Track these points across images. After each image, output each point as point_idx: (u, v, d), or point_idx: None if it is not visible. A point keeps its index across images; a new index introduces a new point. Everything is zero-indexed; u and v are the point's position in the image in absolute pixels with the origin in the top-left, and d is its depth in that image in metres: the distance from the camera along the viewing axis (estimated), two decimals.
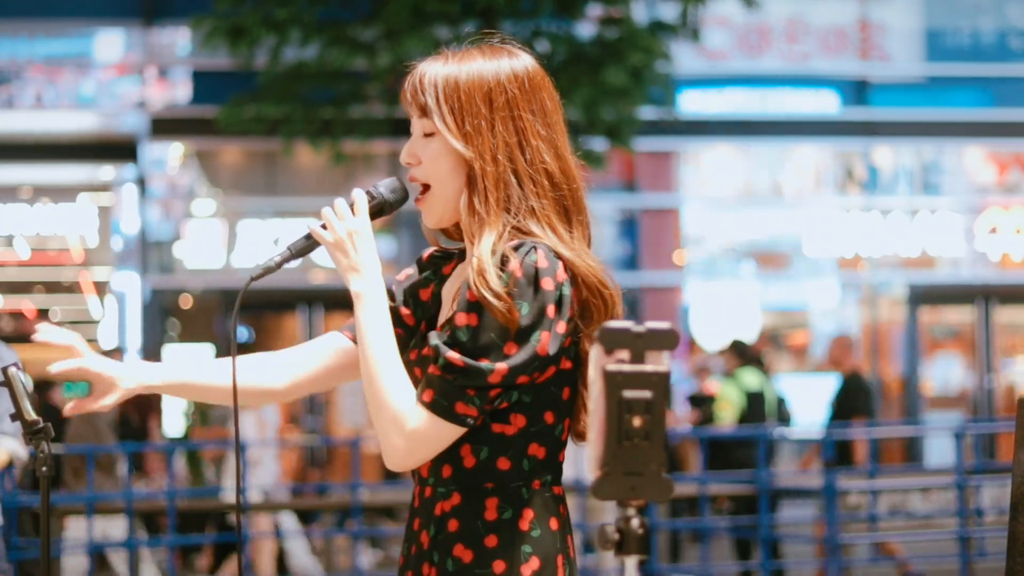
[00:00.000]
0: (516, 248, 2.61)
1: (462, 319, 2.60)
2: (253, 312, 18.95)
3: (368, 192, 2.75)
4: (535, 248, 2.61)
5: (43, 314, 19.86)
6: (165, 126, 18.27)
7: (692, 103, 18.73)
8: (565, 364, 2.65)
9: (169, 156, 18.76)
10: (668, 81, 15.61)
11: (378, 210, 2.75)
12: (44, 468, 3.24)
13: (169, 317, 18.96)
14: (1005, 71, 19.70)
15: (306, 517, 14.27)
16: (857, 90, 19.52)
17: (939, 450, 18.45)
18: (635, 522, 2.25)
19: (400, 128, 16.78)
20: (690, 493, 11.51)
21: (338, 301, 18.91)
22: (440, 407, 2.59)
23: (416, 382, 2.67)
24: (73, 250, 19.20)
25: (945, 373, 19.89)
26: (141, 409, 15.20)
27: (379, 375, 2.63)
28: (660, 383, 2.22)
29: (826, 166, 19.65)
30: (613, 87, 14.40)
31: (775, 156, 19.44)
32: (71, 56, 18.23)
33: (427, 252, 2.91)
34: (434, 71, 2.72)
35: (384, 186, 2.77)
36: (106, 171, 19.05)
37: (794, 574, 12.35)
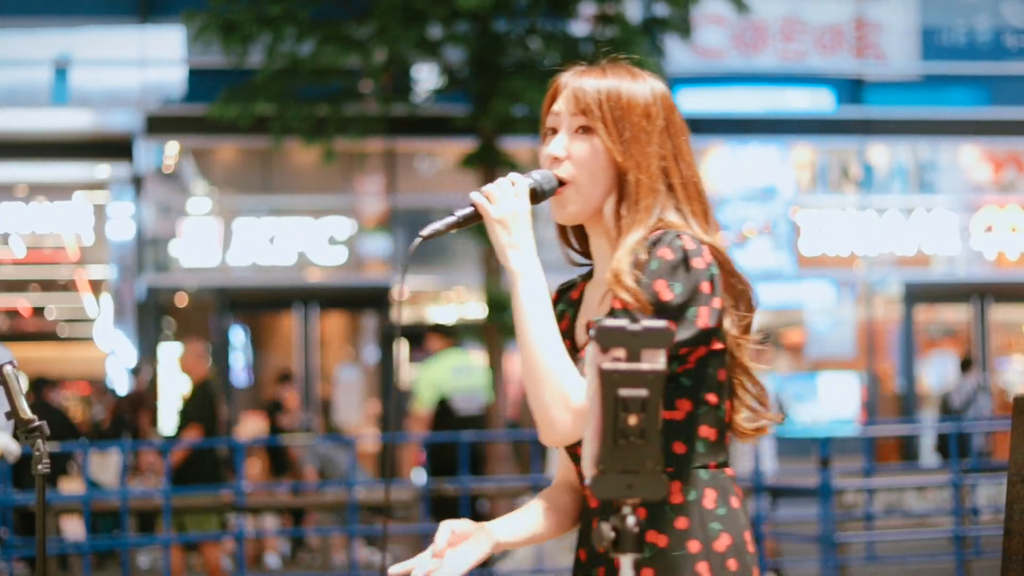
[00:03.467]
0: (660, 238, 2.70)
1: (618, 306, 2.67)
2: (248, 311, 18.94)
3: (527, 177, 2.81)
4: (679, 235, 2.70)
5: (38, 312, 19.87)
6: (160, 124, 18.26)
7: (688, 101, 18.73)
8: (716, 344, 2.73)
9: (164, 154, 18.75)
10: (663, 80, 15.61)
11: (532, 196, 2.80)
12: (40, 466, 3.23)
13: (164, 315, 18.95)
14: (1001, 69, 19.71)
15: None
16: (853, 88, 19.53)
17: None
18: (631, 520, 2.25)
19: (395, 126, 16.78)
20: None
21: (334, 300, 18.90)
22: None
23: None
24: (69, 248, 19.20)
25: (941, 371, 19.89)
26: (134, 407, 15.22)
27: (541, 351, 2.68)
28: (656, 381, 2.22)
29: (822, 164, 19.66)
30: None
31: (771, 154, 19.44)
32: (66, 54, 18.22)
33: (554, 292, 2.96)
34: (595, 81, 2.82)
35: (540, 175, 2.82)
36: (101, 169, 19.05)
37: (791, 572, 12.35)
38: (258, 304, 18.92)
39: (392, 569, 2.73)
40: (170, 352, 18.51)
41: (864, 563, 11.40)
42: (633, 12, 15.74)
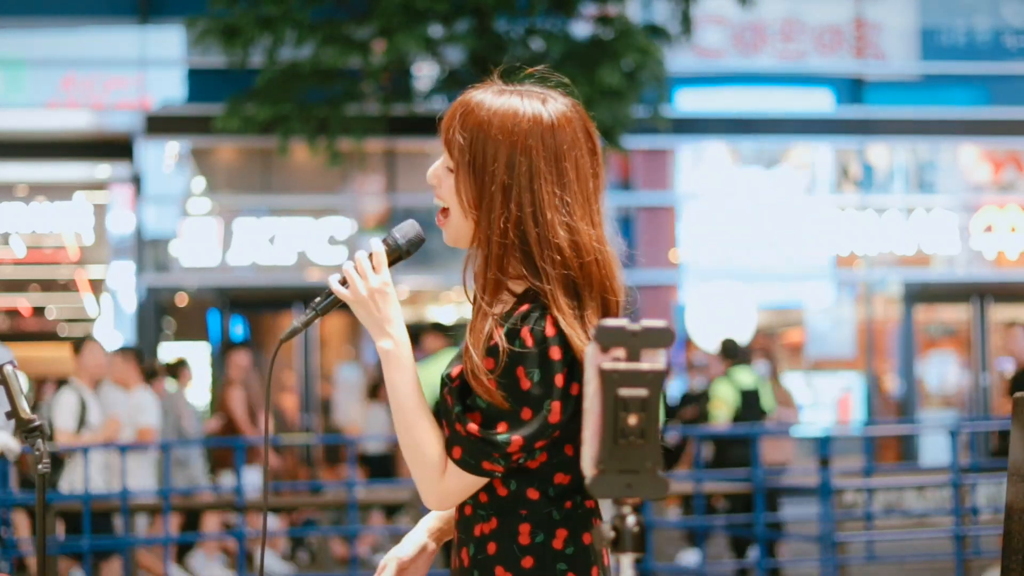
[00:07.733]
0: (527, 315, 2.70)
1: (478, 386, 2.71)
2: (248, 311, 18.94)
3: (386, 242, 2.85)
4: (546, 315, 2.70)
5: (38, 312, 19.87)
6: (160, 124, 18.25)
7: (688, 101, 18.73)
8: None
9: (165, 154, 18.75)
10: (662, 82, 15.62)
11: (395, 259, 2.85)
12: (40, 466, 3.23)
13: (164, 315, 18.95)
14: (1000, 69, 19.71)
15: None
16: (852, 88, 19.53)
17: (934, 448, 18.48)
18: (631, 520, 2.25)
19: (395, 126, 16.78)
20: (686, 491, 11.52)
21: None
22: (468, 465, 2.73)
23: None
24: (69, 248, 19.19)
25: (941, 371, 19.89)
26: None
27: (412, 432, 2.77)
28: (656, 381, 2.22)
29: (821, 164, 19.66)
30: (608, 88, 14.40)
31: (771, 154, 19.44)
32: (67, 54, 18.22)
33: None
34: (468, 115, 2.82)
35: (401, 234, 2.85)
36: (102, 169, 19.04)
37: (790, 572, 12.36)
38: (258, 304, 18.91)
39: None
40: (170, 352, 18.50)
41: (864, 563, 11.40)
42: (633, 12, 15.77)
